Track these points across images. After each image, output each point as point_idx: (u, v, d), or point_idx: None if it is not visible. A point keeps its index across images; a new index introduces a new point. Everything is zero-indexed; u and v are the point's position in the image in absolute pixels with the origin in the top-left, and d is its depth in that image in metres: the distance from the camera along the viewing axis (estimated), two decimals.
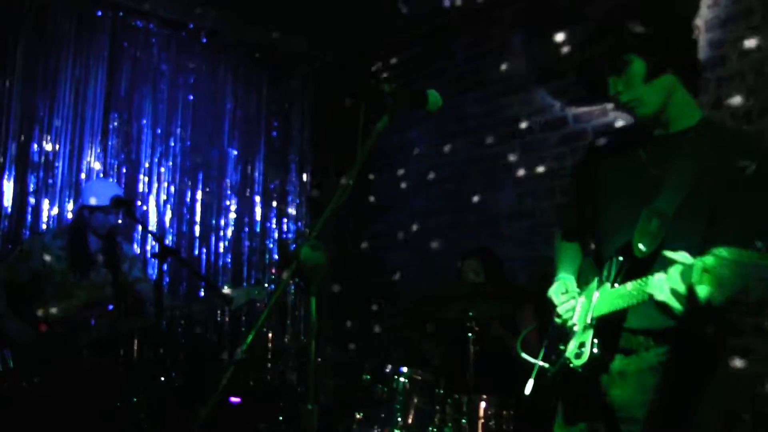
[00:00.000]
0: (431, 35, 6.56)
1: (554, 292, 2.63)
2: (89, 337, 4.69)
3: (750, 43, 4.51)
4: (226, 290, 4.79)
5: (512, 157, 5.77)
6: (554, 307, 2.60)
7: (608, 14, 2.50)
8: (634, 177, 2.49)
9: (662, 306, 2.04)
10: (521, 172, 5.70)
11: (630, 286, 2.25)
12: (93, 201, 4.87)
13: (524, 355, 2.67)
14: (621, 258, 2.38)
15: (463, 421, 4.15)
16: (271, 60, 7.16)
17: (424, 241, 6.39)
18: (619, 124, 5.00)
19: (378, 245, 6.83)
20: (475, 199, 6.01)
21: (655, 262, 2.26)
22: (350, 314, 6.92)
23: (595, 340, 2.38)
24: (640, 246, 2.25)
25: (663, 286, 2.03)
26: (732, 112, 4.53)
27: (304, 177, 7.37)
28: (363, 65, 7.21)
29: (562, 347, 2.51)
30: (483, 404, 4.23)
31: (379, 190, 6.83)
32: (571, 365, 2.40)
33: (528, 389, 2.56)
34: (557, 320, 2.59)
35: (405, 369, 4.26)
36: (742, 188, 2.25)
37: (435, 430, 4.16)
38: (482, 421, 4.22)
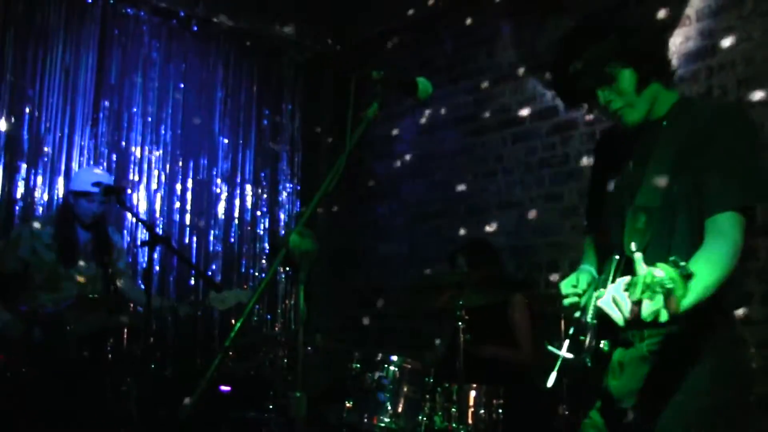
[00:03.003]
0: (421, 24, 6.54)
1: (564, 284, 2.58)
2: (78, 330, 4.63)
3: (741, 32, 4.51)
4: (214, 294, 4.79)
5: (502, 147, 5.77)
6: (561, 297, 2.57)
7: (586, 22, 2.42)
8: (622, 173, 2.48)
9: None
10: (511, 162, 5.70)
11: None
12: (75, 186, 4.86)
13: (550, 348, 2.53)
14: (617, 257, 2.37)
15: (453, 409, 4.15)
16: (262, 48, 7.14)
17: (414, 230, 6.40)
18: None
19: (368, 233, 6.83)
20: (465, 188, 6.01)
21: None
22: (341, 303, 6.93)
23: (596, 335, 2.35)
24: (632, 245, 2.13)
25: (608, 295, 1.99)
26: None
27: (295, 165, 7.36)
28: (354, 53, 7.20)
29: (582, 338, 2.46)
30: (473, 393, 4.23)
31: (370, 179, 6.82)
32: (579, 358, 2.38)
33: (551, 382, 2.45)
34: (564, 307, 2.56)
35: (395, 357, 4.26)
36: (719, 151, 2.22)
37: (425, 418, 4.16)
38: (472, 409, 4.23)
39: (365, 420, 4.15)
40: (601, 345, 2.34)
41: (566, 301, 2.55)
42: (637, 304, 1.84)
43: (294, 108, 7.39)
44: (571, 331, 2.52)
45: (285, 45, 7.24)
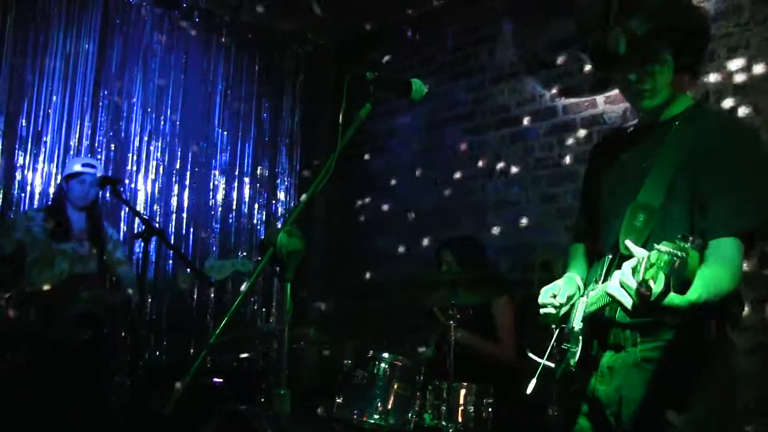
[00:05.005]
0: (422, 22, 6.54)
1: (543, 292, 2.58)
2: (74, 310, 4.65)
3: (739, 39, 4.51)
4: (211, 262, 4.82)
5: (500, 146, 5.77)
6: (539, 306, 2.57)
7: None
8: (624, 172, 2.46)
9: (616, 301, 1.97)
10: (509, 161, 5.70)
11: (603, 284, 2.21)
12: (66, 171, 4.92)
13: (531, 354, 2.60)
14: (610, 256, 2.36)
15: (443, 407, 4.16)
16: (263, 41, 7.14)
17: (409, 227, 6.40)
18: (608, 115, 5.01)
19: (363, 230, 6.83)
20: (462, 186, 6.02)
21: None
22: (335, 298, 6.94)
23: (585, 339, 2.35)
24: (627, 242, 2.12)
25: (615, 281, 1.97)
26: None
27: (294, 159, 7.37)
28: (355, 49, 7.20)
29: (565, 347, 2.47)
30: (463, 391, 4.24)
31: (367, 175, 6.83)
32: (564, 363, 2.39)
33: (530, 389, 2.47)
34: (541, 317, 2.57)
35: (386, 354, 4.27)
36: (725, 172, 2.20)
37: (414, 416, 4.17)
38: (462, 408, 4.23)
39: (355, 416, 4.15)
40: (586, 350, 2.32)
41: (543, 311, 2.55)
42: (643, 285, 1.80)
43: (294, 101, 7.39)
44: (553, 339, 2.52)
45: (286, 38, 7.25)
